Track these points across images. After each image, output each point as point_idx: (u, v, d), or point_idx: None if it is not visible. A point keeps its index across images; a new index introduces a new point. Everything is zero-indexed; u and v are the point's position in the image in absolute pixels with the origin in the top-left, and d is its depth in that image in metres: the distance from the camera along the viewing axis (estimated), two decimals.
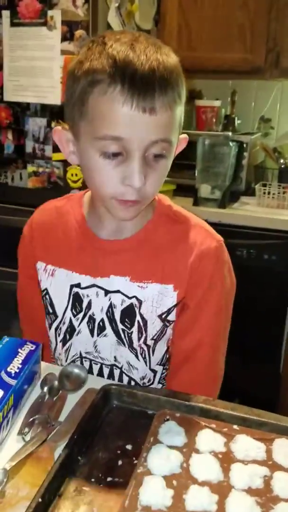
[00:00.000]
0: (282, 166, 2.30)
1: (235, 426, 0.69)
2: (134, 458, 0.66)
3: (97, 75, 0.72)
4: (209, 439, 0.67)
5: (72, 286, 0.92)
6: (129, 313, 0.89)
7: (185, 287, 0.87)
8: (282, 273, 2.03)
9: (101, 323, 0.91)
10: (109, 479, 0.63)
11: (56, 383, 0.84)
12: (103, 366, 0.94)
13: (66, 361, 0.97)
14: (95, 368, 0.95)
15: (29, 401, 0.81)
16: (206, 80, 2.44)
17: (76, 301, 0.92)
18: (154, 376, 0.95)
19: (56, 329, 0.96)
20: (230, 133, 2.28)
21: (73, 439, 0.66)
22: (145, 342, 0.90)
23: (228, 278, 0.91)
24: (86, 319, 0.92)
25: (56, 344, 0.98)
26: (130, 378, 0.94)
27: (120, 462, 0.66)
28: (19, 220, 2.09)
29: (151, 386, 0.95)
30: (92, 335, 0.93)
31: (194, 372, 0.91)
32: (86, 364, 0.96)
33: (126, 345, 0.91)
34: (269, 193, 2.17)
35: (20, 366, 0.79)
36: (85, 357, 0.95)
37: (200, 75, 2.31)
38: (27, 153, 2.04)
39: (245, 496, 0.58)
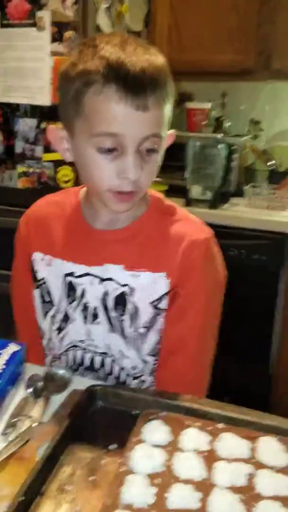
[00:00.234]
0: (272, 167, 2.31)
1: (220, 425, 0.69)
2: (117, 458, 0.66)
3: (92, 76, 0.76)
4: (193, 437, 0.66)
5: (66, 275, 0.94)
6: (121, 301, 0.91)
7: (177, 275, 0.90)
8: (272, 273, 2.04)
9: (94, 311, 0.93)
10: (91, 478, 0.63)
11: (40, 384, 0.83)
12: (95, 355, 0.96)
13: (59, 350, 0.98)
14: (87, 358, 0.96)
15: (13, 402, 0.80)
16: (197, 82, 2.45)
17: (70, 289, 0.94)
18: (145, 367, 0.95)
19: (52, 318, 0.98)
20: (220, 135, 2.29)
21: (56, 439, 0.66)
22: (136, 330, 0.92)
23: (218, 271, 0.94)
24: (80, 307, 0.94)
25: (51, 333, 0.99)
26: (121, 368, 0.95)
27: (103, 462, 0.66)
28: (9, 221, 2.09)
29: (141, 377, 0.95)
30: (86, 322, 0.94)
31: (182, 362, 0.93)
32: (79, 354, 0.97)
33: (118, 333, 0.93)
34: (259, 194, 2.17)
35: (3, 367, 0.78)
36: (78, 346, 0.97)
37: (190, 77, 2.32)
38: (17, 154, 2.04)
39: (228, 493, 0.57)
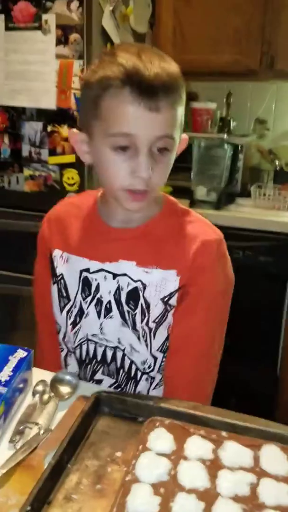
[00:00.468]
0: (277, 167, 2.31)
1: (223, 433, 0.70)
2: (123, 466, 0.67)
3: (110, 81, 0.82)
4: (197, 445, 0.67)
5: (82, 271, 0.99)
6: (133, 296, 0.95)
7: (187, 274, 0.93)
8: (278, 275, 2.04)
9: (108, 305, 0.97)
10: (98, 486, 0.64)
11: (47, 390, 0.85)
12: (107, 348, 0.99)
13: (74, 343, 1.03)
14: (99, 351, 1.00)
15: (21, 408, 0.82)
16: (202, 82, 2.45)
17: (85, 285, 0.99)
18: (155, 363, 0.98)
19: (67, 312, 1.02)
20: (225, 135, 2.28)
21: (63, 447, 0.67)
22: (147, 324, 0.95)
23: (227, 273, 0.97)
24: (94, 301, 0.99)
25: (66, 327, 1.03)
26: (132, 362, 0.98)
27: (109, 470, 0.67)
28: (16, 224, 2.11)
29: (151, 373, 0.99)
30: (99, 317, 0.99)
31: (185, 361, 0.96)
32: (92, 347, 1.01)
33: (130, 327, 0.96)
34: (264, 194, 2.17)
35: (10, 373, 0.79)
36: (91, 340, 1.01)
37: (195, 77, 2.31)
38: (23, 157, 2.05)
39: (231, 503, 0.58)
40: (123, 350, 0.98)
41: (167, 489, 0.60)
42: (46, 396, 0.83)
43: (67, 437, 0.69)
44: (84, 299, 1.00)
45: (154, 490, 0.60)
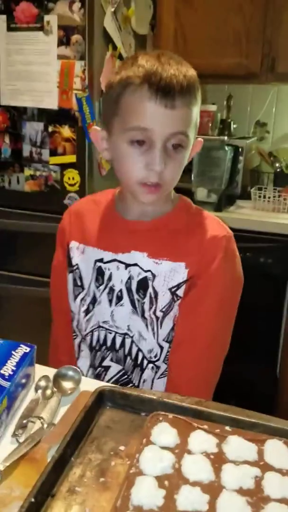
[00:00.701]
0: (278, 170, 2.32)
1: (227, 427, 0.70)
2: (127, 459, 0.67)
3: (130, 80, 0.88)
4: (201, 440, 0.67)
5: (96, 261, 1.04)
6: (143, 285, 1.00)
7: (196, 267, 0.97)
8: (278, 276, 2.04)
9: (119, 293, 1.02)
10: (101, 479, 0.64)
11: (50, 385, 0.84)
12: (117, 335, 1.03)
13: (85, 330, 1.07)
14: (109, 338, 1.04)
15: (23, 403, 0.82)
16: (202, 84, 2.45)
17: (99, 274, 1.04)
18: (161, 353, 1.01)
19: (81, 300, 1.08)
20: (225, 138, 2.29)
21: (66, 441, 0.67)
22: (154, 313, 0.99)
23: (236, 270, 1.01)
24: (106, 290, 1.03)
25: (79, 315, 1.08)
26: (139, 350, 1.02)
27: (113, 463, 0.67)
28: (16, 224, 2.11)
29: (157, 362, 1.01)
30: (111, 304, 1.03)
31: (188, 354, 0.98)
32: (102, 334, 1.05)
33: (139, 314, 1.00)
34: (264, 196, 2.18)
35: (14, 368, 0.79)
36: (102, 327, 1.05)
37: None
38: (24, 157, 2.05)
39: (236, 496, 0.58)
40: (132, 337, 1.02)
41: (172, 482, 0.60)
42: (48, 391, 0.83)
43: (70, 431, 0.68)
44: (97, 288, 1.04)
45: (158, 482, 0.60)
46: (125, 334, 1.02)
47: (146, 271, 0.99)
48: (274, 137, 2.56)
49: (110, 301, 1.03)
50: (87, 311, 1.07)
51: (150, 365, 1.01)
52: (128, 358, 1.03)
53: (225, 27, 2.17)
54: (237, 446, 0.66)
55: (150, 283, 0.99)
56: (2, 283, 2.20)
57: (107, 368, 1.05)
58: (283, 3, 2.07)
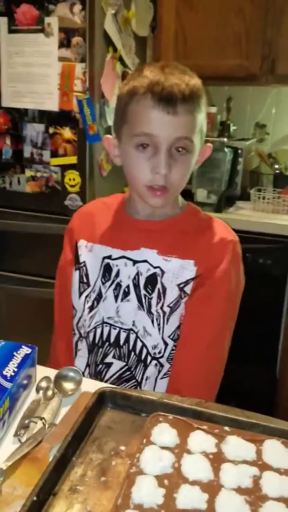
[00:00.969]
0: (277, 171, 2.33)
1: (226, 428, 0.71)
2: (127, 459, 0.68)
3: (136, 89, 0.94)
4: (200, 440, 0.68)
5: (104, 258, 1.08)
6: (152, 280, 1.03)
7: (204, 265, 1.00)
8: (277, 277, 2.05)
9: (126, 289, 1.05)
10: (102, 479, 0.65)
11: (51, 386, 0.85)
12: (121, 331, 1.05)
13: (88, 327, 1.09)
14: (113, 334, 1.06)
15: (25, 404, 0.83)
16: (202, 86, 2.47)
17: (106, 270, 1.07)
18: (165, 349, 1.02)
19: (85, 297, 1.10)
20: (225, 139, 2.30)
21: (68, 441, 0.68)
22: (161, 308, 1.02)
23: (240, 272, 1.04)
24: (113, 286, 1.06)
25: (83, 312, 1.10)
26: (144, 345, 1.03)
27: (113, 463, 0.68)
28: (17, 224, 2.12)
29: (160, 359, 1.03)
30: (116, 300, 1.06)
31: (197, 348, 1.00)
32: (106, 329, 1.07)
33: (145, 310, 1.03)
34: (264, 198, 2.19)
35: (15, 369, 0.80)
36: (106, 323, 1.07)
37: None
38: (25, 158, 2.06)
39: (234, 495, 0.59)
40: (136, 333, 1.04)
41: (171, 481, 0.61)
42: (50, 392, 0.84)
43: (71, 431, 0.69)
44: (103, 284, 1.07)
45: (158, 482, 0.61)
46: (130, 329, 1.04)
47: (155, 268, 1.02)
48: (273, 138, 2.57)
49: (116, 297, 1.05)
50: (91, 308, 1.08)
51: (154, 362, 1.03)
52: (132, 353, 1.04)
53: (225, 28, 2.18)
54: (236, 446, 0.67)
55: (159, 279, 1.02)
56: (2, 284, 2.21)
57: (109, 364, 1.06)
58: (284, 4, 2.08)
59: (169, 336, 1.02)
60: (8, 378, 0.78)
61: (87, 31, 1.85)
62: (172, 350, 1.02)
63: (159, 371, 1.03)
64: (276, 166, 2.34)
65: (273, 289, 2.07)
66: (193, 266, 1.00)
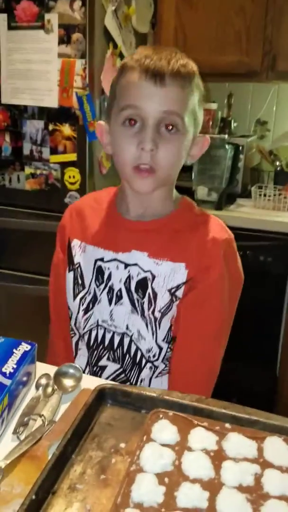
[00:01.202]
0: (278, 168, 2.32)
1: (227, 425, 0.70)
2: (127, 456, 0.67)
3: (124, 65, 0.92)
4: (201, 437, 0.68)
5: (96, 260, 1.04)
6: (142, 284, 0.99)
7: (196, 268, 0.96)
8: (278, 275, 2.05)
9: (118, 293, 1.02)
10: (102, 477, 0.64)
11: (50, 383, 0.85)
12: (115, 334, 1.03)
13: (83, 329, 1.07)
14: (108, 337, 1.04)
15: (24, 401, 0.82)
16: (203, 83, 2.46)
17: (99, 273, 1.04)
18: (160, 353, 1.00)
19: (81, 299, 1.07)
20: (226, 136, 2.29)
21: (67, 438, 0.67)
22: (153, 313, 0.99)
23: (236, 272, 1.01)
24: (106, 289, 1.03)
25: (78, 314, 1.07)
26: (138, 348, 1.01)
27: (113, 460, 0.67)
28: (17, 222, 2.11)
29: (155, 362, 1.01)
30: (110, 303, 1.03)
31: (193, 353, 0.98)
32: (101, 332, 1.04)
33: (139, 314, 1.00)
34: (265, 195, 2.18)
35: (14, 366, 0.79)
36: (101, 326, 1.04)
37: None
38: (24, 155, 2.06)
39: (235, 493, 0.58)
40: (131, 336, 1.01)
41: (172, 479, 0.60)
42: (49, 389, 0.83)
43: (71, 429, 0.69)
44: (97, 287, 1.04)
45: (158, 480, 0.60)
46: (124, 333, 1.02)
47: (145, 271, 0.98)
48: (274, 135, 2.56)
49: (110, 300, 1.02)
50: (86, 310, 1.06)
51: (149, 365, 1.01)
52: (127, 356, 1.02)
53: (226, 25, 2.17)
54: (237, 443, 0.66)
55: (149, 283, 0.98)
56: (2, 281, 2.21)
57: (103, 367, 1.05)
58: (284, 2, 2.07)
59: (163, 340, 1.00)
60: (7, 375, 0.77)
61: (87, 27, 1.85)
62: (167, 352, 1.00)
63: (154, 372, 1.02)
64: (277, 163, 2.33)
65: (274, 286, 2.06)
66: (184, 269, 0.96)
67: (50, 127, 1.97)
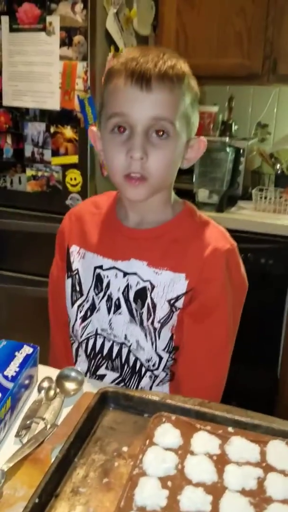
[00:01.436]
0: (278, 171, 2.32)
1: (230, 429, 0.70)
2: (130, 460, 0.67)
3: (111, 70, 0.88)
4: (204, 441, 0.68)
5: (95, 268, 1.01)
6: (141, 294, 0.96)
7: (196, 279, 0.93)
8: (279, 278, 2.05)
9: (117, 302, 0.99)
10: (105, 480, 0.64)
11: (53, 386, 0.85)
12: (114, 344, 1.01)
13: (81, 337, 1.04)
14: (106, 346, 1.02)
15: (26, 404, 0.82)
16: (204, 86, 2.46)
17: (98, 281, 1.01)
18: (160, 362, 0.98)
19: (78, 307, 1.04)
20: (227, 139, 2.30)
21: (70, 442, 0.67)
22: (152, 324, 0.96)
23: (239, 282, 0.98)
24: (105, 297, 1.00)
25: (75, 321, 1.05)
26: (137, 358, 0.99)
27: (116, 464, 0.67)
28: (18, 224, 2.12)
29: (155, 371, 0.99)
30: (109, 312, 1.00)
31: (200, 364, 0.96)
32: (100, 341, 1.02)
33: (138, 324, 0.97)
34: (265, 197, 2.18)
35: (17, 369, 0.80)
36: (99, 334, 1.02)
37: (197, 80, 2.31)
38: (26, 157, 2.06)
39: (238, 496, 0.58)
40: (129, 347, 0.99)
41: (175, 483, 0.61)
42: (51, 392, 0.84)
43: (73, 432, 0.69)
44: (96, 295, 1.01)
45: (161, 483, 0.60)
46: (122, 343, 0.99)
47: (145, 281, 0.95)
48: (275, 138, 2.56)
49: (109, 309, 1.00)
50: (84, 318, 1.03)
51: (149, 373, 0.99)
52: (126, 366, 1.00)
53: (227, 28, 2.17)
54: (240, 447, 0.66)
55: (148, 293, 0.95)
56: (3, 283, 2.21)
57: (102, 377, 1.03)
58: (285, 4, 2.07)
59: (163, 349, 0.97)
60: (10, 378, 0.77)
61: (89, 30, 1.85)
62: (168, 361, 0.98)
63: (154, 381, 0.99)
64: (278, 166, 2.33)
65: (275, 289, 2.06)
66: (184, 280, 0.93)
67: (52, 129, 1.97)
